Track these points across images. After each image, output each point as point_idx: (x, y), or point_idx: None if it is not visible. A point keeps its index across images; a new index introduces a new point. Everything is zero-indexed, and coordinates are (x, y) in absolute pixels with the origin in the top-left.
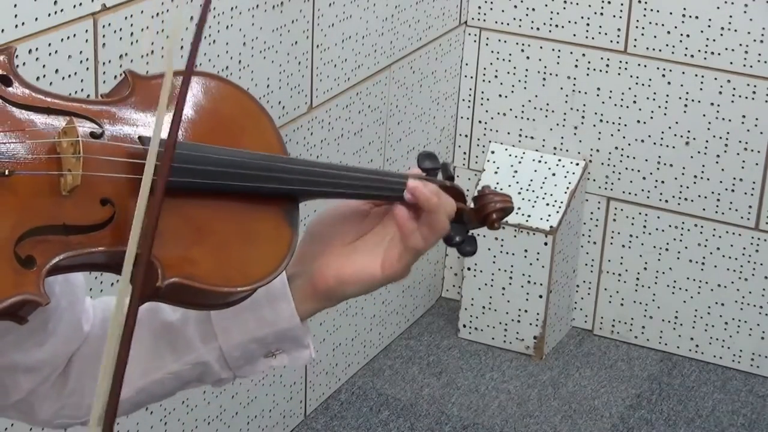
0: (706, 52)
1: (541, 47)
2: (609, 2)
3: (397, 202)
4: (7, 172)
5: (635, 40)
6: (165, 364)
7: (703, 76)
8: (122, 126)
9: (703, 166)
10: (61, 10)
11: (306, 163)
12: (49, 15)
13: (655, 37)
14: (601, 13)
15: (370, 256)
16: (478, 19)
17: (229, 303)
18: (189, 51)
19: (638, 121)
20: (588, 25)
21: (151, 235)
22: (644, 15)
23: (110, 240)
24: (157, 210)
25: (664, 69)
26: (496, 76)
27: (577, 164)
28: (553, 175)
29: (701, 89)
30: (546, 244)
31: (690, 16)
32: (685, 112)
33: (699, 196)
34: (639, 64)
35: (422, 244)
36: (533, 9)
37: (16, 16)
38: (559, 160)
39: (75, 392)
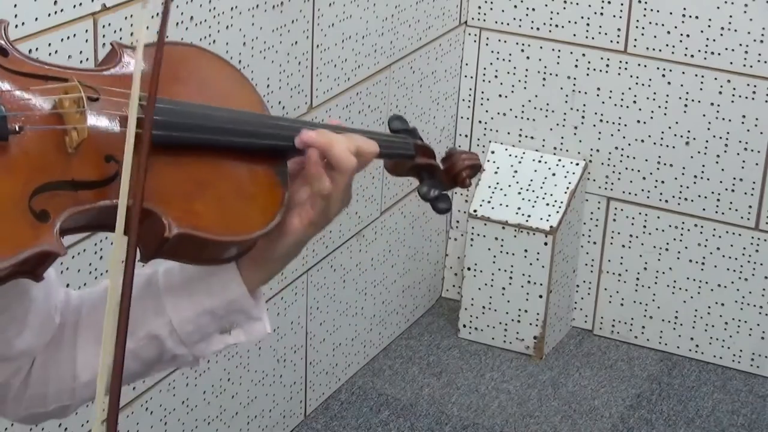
0: (706, 52)
1: (541, 47)
2: (609, 2)
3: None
4: (17, 128)
5: (635, 40)
6: None
7: (703, 76)
8: (117, 89)
9: (703, 166)
10: (61, 10)
11: (292, 121)
12: (49, 15)
13: (655, 37)
14: (601, 13)
15: (290, 211)
16: (478, 19)
17: (232, 256)
18: (161, 17)
19: (638, 121)
20: (588, 25)
21: (141, 185)
22: (644, 15)
23: (116, 195)
24: (145, 160)
25: (664, 69)
26: (496, 76)
27: (577, 164)
28: (553, 175)
29: (701, 89)
30: (546, 244)
31: (690, 16)
32: (685, 112)
33: (699, 196)
34: (639, 64)
35: (328, 185)
36: (533, 9)
37: (16, 16)
38: (559, 160)
39: (38, 382)
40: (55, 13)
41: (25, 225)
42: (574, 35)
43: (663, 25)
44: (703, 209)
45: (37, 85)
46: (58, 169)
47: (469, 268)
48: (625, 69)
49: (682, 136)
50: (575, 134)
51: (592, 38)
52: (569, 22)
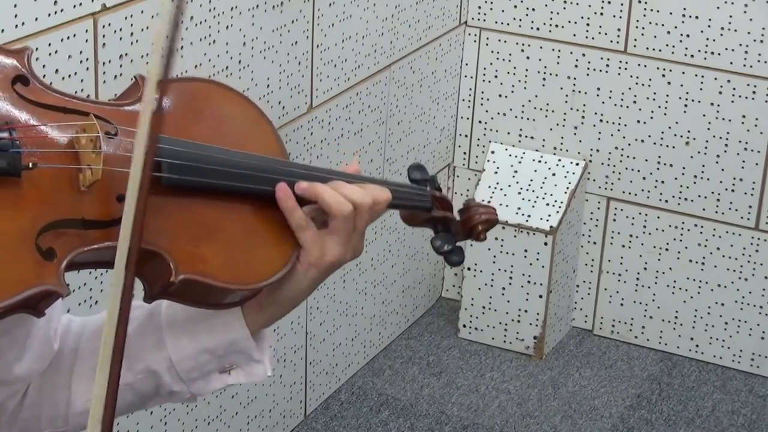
0: (706, 52)
1: (541, 47)
2: (609, 2)
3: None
4: (31, 165)
5: (635, 40)
6: None
7: (703, 76)
8: (135, 129)
9: (703, 166)
10: (61, 10)
11: (307, 168)
12: (49, 15)
13: (655, 37)
14: (601, 13)
15: None
16: (478, 19)
17: (236, 301)
18: (167, 55)
19: (638, 121)
20: (588, 25)
21: (139, 228)
22: (644, 15)
23: None
24: (144, 204)
25: (664, 69)
26: (496, 76)
27: (577, 164)
28: (553, 175)
29: (701, 89)
30: (546, 244)
31: (690, 16)
32: (685, 112)
33: (699, 196)
34: (639, 64)
35: (303, 219)
36: (533, 9)
37: (16, 16)
38: (559, 160)
39: (32, 405)
40: (55, 13)
41: (31, 262)
42: (574, 35)
43: (663, 25)
44: (703, 209)
45: (56, 119)
46: (68, 206)
47: (469, 268)
48: (625, 69)
49: (682, 136)
50: (575, 134)
51: (592, 38)
52: (569, 22)
